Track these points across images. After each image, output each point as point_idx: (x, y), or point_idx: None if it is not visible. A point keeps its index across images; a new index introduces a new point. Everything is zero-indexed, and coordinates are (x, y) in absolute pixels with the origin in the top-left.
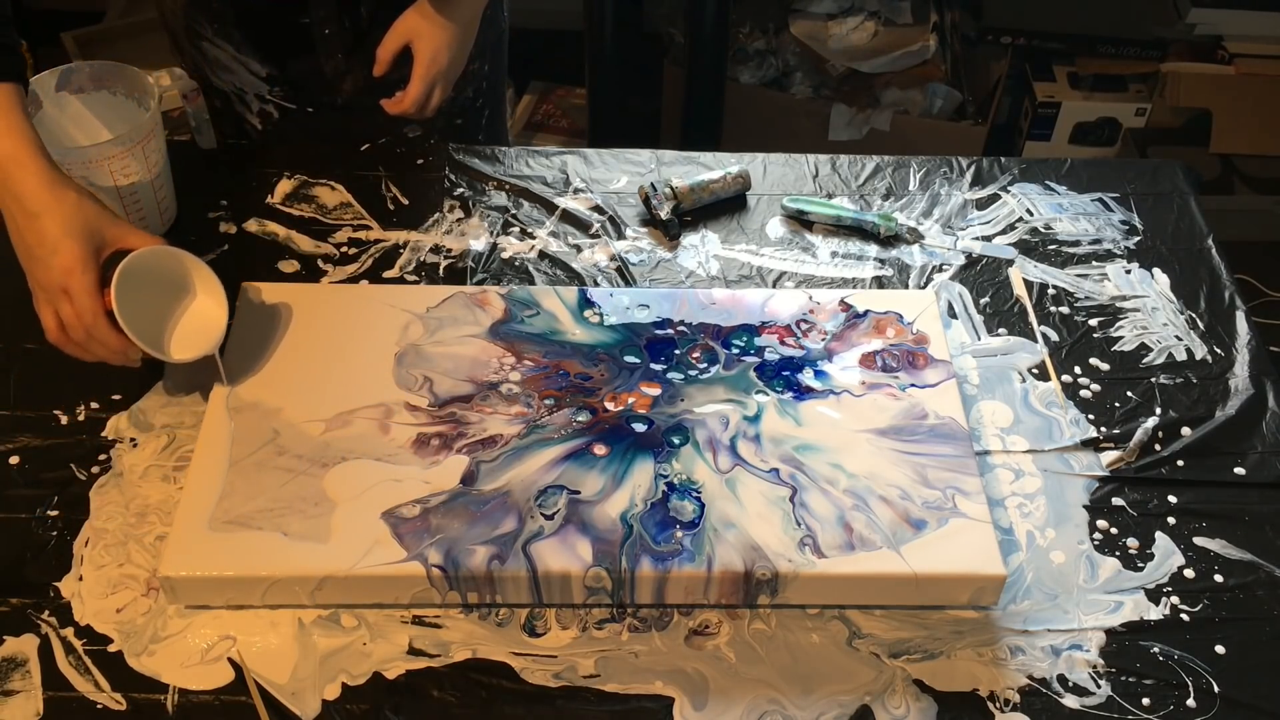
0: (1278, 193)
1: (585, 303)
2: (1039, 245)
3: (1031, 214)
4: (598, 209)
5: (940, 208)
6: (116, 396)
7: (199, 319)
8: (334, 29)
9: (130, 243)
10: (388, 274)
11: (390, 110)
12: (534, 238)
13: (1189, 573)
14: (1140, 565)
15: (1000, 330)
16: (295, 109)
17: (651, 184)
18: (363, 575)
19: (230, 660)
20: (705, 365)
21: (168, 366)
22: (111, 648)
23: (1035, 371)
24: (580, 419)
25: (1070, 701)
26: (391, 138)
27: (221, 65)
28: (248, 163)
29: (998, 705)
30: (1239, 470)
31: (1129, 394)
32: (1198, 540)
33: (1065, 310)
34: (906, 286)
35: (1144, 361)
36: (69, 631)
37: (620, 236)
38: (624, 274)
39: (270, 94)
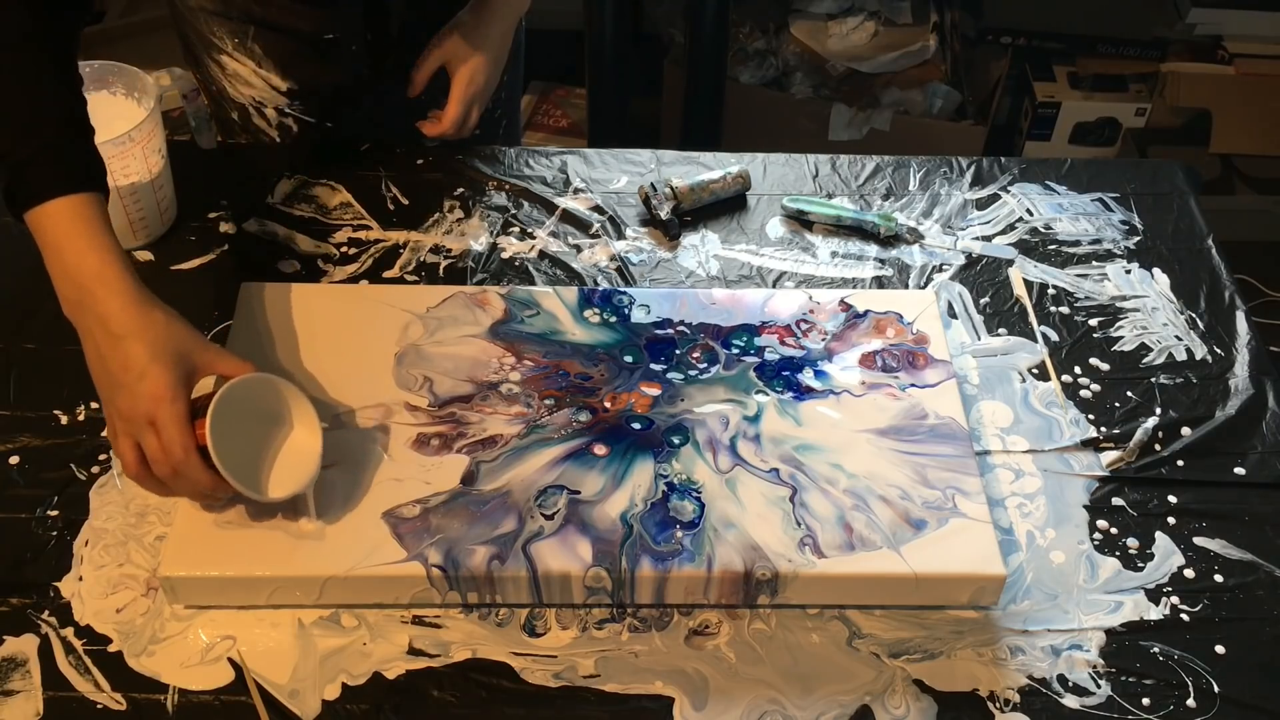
0: (1278, 193)
1: (586, 302)
2: (1039, 245)
3: (1031, 214)
4: (598, 209)
5: (940, 208)
6: None
7: (293, 452)
8: (360, 45)
9: (221, 368)
10: (388, 274)
11: (429, 133)
12: (534, 238)
13: (1189, 573)
14: (1140, 565)
15: (1000, 330)
16: (315, 122)
17: (651, 184)
18: (363, 575)
19: (230, 660)
20: (705, 365)
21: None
22: (111, 648)
23: (1035, 371)
24: (580, 419)
25: (1070, 701)
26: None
27: (241, 78)
28: (248, 163)
29: (998, 705)
30: (1239, 470)
31: (1129, 394)
32: (1198, 540)
33: (1065, 310)
34: (906, 286)
35: (1144, 361)
36: (69, 631)
37: (620, 236)
38: (624, 274)
39: (290, 107)
